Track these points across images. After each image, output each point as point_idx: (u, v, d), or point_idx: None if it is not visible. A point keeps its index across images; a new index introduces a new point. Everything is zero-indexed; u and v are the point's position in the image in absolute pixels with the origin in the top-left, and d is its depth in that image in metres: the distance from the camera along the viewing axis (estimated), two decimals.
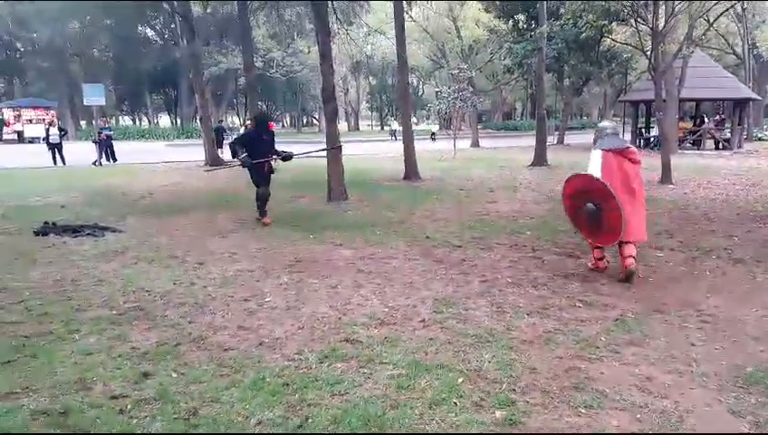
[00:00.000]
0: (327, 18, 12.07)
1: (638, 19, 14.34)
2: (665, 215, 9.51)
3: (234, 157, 8.92)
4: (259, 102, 36.04)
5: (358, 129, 63.59)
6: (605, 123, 6.45)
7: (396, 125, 42.91)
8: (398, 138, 37.83)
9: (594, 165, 5.86)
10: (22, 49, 44.14)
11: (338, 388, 3.47)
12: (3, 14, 37.97)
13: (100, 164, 20.11)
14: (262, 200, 8.97)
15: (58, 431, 3.03)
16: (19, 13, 36.31)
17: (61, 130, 22.00)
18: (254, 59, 22.63)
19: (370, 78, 60.78)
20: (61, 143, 20.80)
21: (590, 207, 5.85)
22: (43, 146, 22.08)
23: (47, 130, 21.39)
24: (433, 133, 38.26)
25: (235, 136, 19.92)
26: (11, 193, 12.45)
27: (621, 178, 5.73)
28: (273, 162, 9.19)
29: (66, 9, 30.52)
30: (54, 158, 20.49)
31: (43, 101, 38.42)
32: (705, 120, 26.32)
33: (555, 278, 5.86)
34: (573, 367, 3.75)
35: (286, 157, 9.28)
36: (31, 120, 35.67)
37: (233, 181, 13.24)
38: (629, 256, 5.66)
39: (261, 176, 8.91)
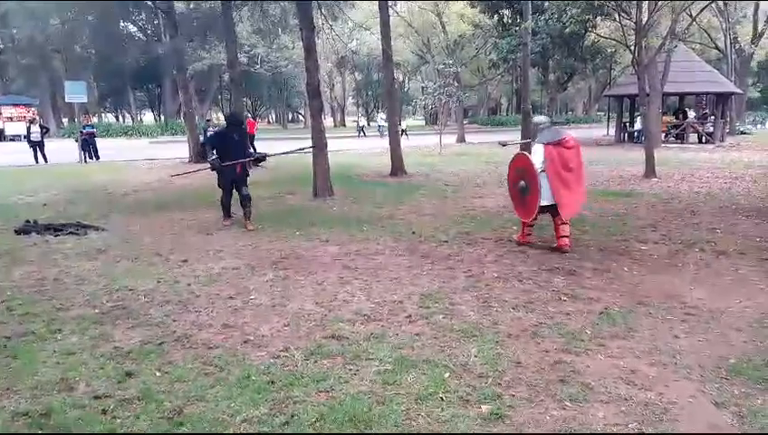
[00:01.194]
0: (311, 13, 11.98)
1: (622, 14, 14.41)
2: (648, 208, 9.59)
3: (204, 158, 8.60)
4: (244, 98, 35.79)
5: (344, 124, 63.38)
6: (540, 118, 7.34)
7: (363, 121, 42.41)
8: (365, 133, 37.51)
9: (538, 158, 6.64)
10: (1, 46, 43.43)
11: (324, 385, 3.45)
12: None
13: (86, 162, 19.87)
14: (224, 205, 8.65)
15: (39, 432, 2.99)
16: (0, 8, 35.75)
17: (42, 127, 21.67)
18: (239, 55, 22.45)
19: (356, 73, 60.62)
20: (42, 141, 20.51)
21: (522, 185, 6.80)
22: (25, 144, 21.75)
23: (28, 129, 21.07)
24: (404, 130, 37.83)
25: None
26: None
27: (562, 163, 6.61)
28: (244, 161, 8.69)
29: (49, 5, 30.15)
30: (36, 156, 20.19)
31: (23, 98, 37.85)
32: (689, 113, 26.54)
33: (540, 272, 5.88)
34: (559, 360, 3.77)
35: (259, 158, 8.91)
36: (11, 118, 35.15)
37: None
38: (565, 237, 6.70)
39: (228, 180, 8.48)
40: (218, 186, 8.63)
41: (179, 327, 4.43)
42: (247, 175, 8.74)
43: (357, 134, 39.93)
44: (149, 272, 6.02)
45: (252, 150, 9.02)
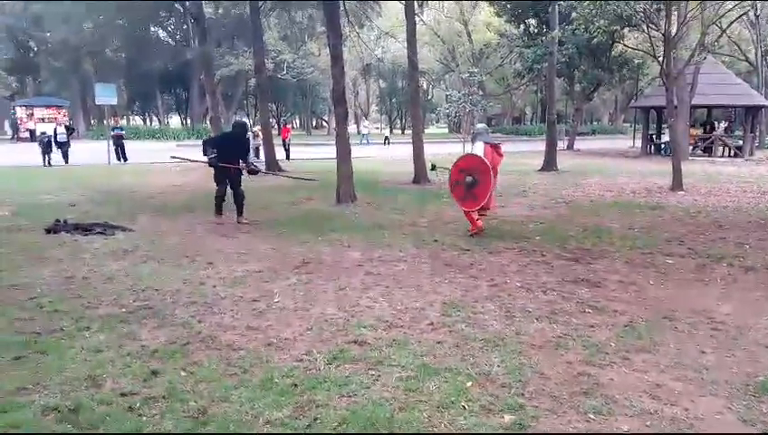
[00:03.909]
0: (338, 20, 12.09)
1: (651, 25, 14.28)
2: (675, 221, 9.46)
3: (204, 154, 9.39)
4: (269, 104, 36.10)
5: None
6: (481, 125, 9.29)
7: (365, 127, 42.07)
8: (370, 141, 37.43)
9: (479, 151, 8.11)
10: (35, 48, 44.46)
11: (346, 389, 3.47)
12: (18, 13, 38.30)
13: (49, 164, 19.75)
14: (218, 199, 9.27)
15: (69, 427, 3.05)
16: (35, 12, 36.61)
17: (68, 129, 22.24)
18: (265, 61, 22.71)
19: (380, 81, 60.82)
20: (68, 142, 21.00)
21: (469, 180, 8.01)
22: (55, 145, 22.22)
23: (55, 130, 21.62)
24: (386, 138, 37.69)
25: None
26: (23, 191, 12.57)
27: (492, 164, 8.10)
28: (240, 167, 9.46)
29: (82, 8, 30.80)
30: (65, 156, 20.64)
31: (55, 99, 38.70)
32: (716, 126, 26.12)
33: (564, 283, 5.83)
34: (583, 372, 3.74)
35: (252, 171, 9.80)
36: (43, 119, 35.95)
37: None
38: (479, 221, 8.28)
39: (224, 176, 9.21)
40: (214, 180, 9.31)
41: (204, 328, 4.49)
42: (240, 175, 9.44)
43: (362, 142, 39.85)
44: (175, 273, 6.10)
45: (253, 159, 10.03)
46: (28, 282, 5.69)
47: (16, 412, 3.16)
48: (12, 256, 6.80)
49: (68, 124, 24.22)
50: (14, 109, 39.96)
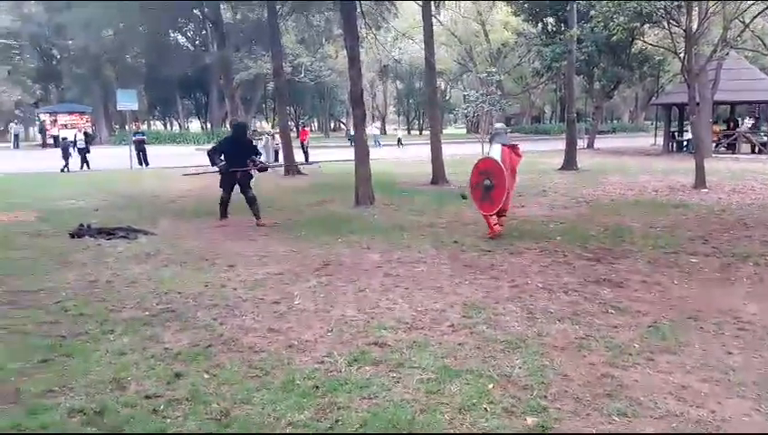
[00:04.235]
0: (355, 22, 12.13)
1: (671, 21, 14.09)
2: (699, 220, 9.31)
3: (212, 164, 9.54)
4: (288, 107, 36.26)
5: (385, 133, 63.67)
6: (499, 125, 9.34)
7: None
8: (381, 143, 37.31)
9: (496, 154, 8.08)
10: (58, 56, 45.21)
11: (367, 391, 3.47)
12: (42, 21, 38.99)
13: (62, 170, 19.89)
14: (223, 204, 9.58)
15: (94, 429, 3.09)
16: (58, 20, 37.22)
17: (87, 135, 22.70)
18: (283, 64, 22.85)
19: (398, 82, 60.82)
20: (88, 148, 21.37)
21: (487, 183, 8.00)
22: (76, 151, 22.60)
23: (75, 136, 22.09)
24: (399, 139, 37.60)
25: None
26: (47, 196, 12.77)
27: (510, 165, 8.12)
28: (251, 169, 9.67)
29: (102, 15, 31.26)
30: (85, 161, 20.94)
31: (78, 106, 39.37)
32: (741, 123, 25.63)
33: (587, 284, 5.77)
34: (606, 374, 3.69)
35: (261, 168, 9.97)
36: (66, 126, 36.59)
37: (258, 186, 13.34)
38: (498, 225, 8.19)
39: (231, 181, 9.41)
40: (220, 186, 9.50)
41: (226, 330, 4.52)
42: (251, 177, 9.58)
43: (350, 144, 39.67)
44: (197, 276, 6.16)
45: (257, 158, 9.97)
46: (53, 286, 5.78)
47: (43, 414, 3.21)
48: (37, 260, 6.93)
49: (87, 131, 24.74)
50: (38, 116, 40.77)
